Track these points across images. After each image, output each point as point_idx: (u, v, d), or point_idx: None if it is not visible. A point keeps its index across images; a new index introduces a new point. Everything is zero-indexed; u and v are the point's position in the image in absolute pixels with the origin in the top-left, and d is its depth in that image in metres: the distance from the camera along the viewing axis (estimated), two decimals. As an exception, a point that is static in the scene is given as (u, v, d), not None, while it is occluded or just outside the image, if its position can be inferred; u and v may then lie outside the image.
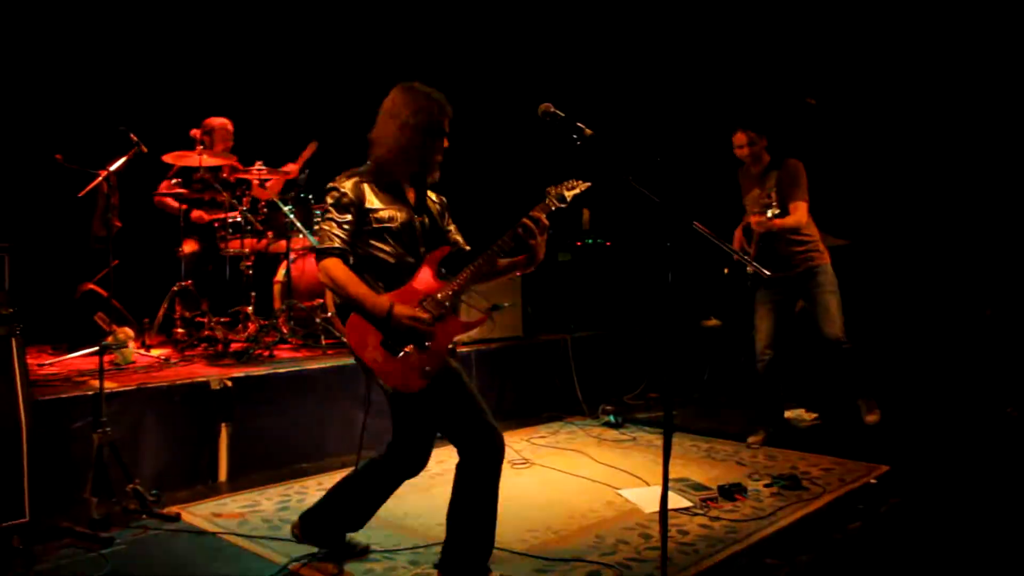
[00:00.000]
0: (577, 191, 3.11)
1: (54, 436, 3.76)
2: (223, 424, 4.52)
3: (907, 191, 6.90)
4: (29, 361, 4.84)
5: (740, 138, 5.27)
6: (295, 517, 3.80)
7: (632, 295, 7.51)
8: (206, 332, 5.54)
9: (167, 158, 5.62)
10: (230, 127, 6.09)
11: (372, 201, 2.95)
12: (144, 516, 3.84)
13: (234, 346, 5.40)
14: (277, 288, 5.93)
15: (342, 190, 2.93)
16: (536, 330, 6.96)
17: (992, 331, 6.36)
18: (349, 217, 2.91)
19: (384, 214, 2.95)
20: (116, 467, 3.85)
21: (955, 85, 6.73)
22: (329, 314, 5.64)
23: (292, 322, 5.68)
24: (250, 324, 5.67)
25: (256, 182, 5.76)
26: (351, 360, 5.20)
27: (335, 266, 2.85)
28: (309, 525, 3.29)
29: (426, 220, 3.08)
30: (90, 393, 3.95)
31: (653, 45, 8.62)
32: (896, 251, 6.55)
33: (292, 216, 5.48)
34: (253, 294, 5.84)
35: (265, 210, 5.72)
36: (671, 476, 4.37)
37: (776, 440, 5.32)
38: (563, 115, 2.71)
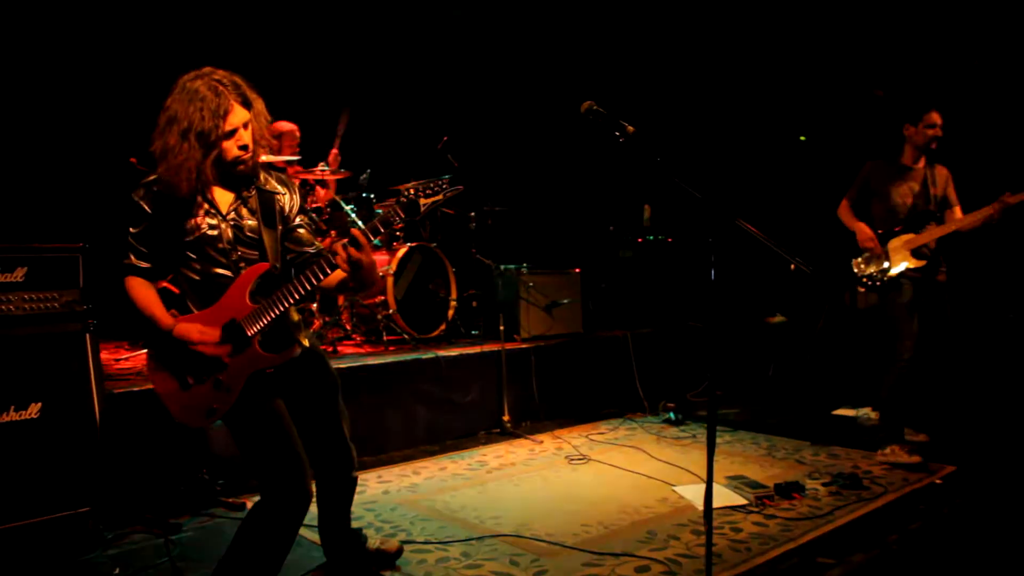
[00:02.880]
0: (438, 199, 2.68)
1: (127, 427, 3.92)
2: (287, 417, 4.65)
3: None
4: (107, 356, 5.09)
5: (937, 117, 4.88)
6: (356, 509, 3.91)
7: (694, 291, 7.46)
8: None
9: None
10: (297, 133, 6.26)
11: (171, 212, 2.64)
12: (211, 505, 4.00)
13: (300, 342, 5.55)
14: (341, 285, 6.06)
15: (136, 201, 2.66)
16: (597, 327, 6.98)
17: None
18: (143, 232, 2.68)
19: (186, 225, 2.64)
20: (186, 457, 4.02)
21: None
22: (391, 311, 5.75)
23: (355, 319, 5.81)
24: (315, 321, 5.82)
25: (317, 187, 5.90)
26: (410, 356, 5.33)
27: (130, 286, 2.69)
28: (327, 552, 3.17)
29: (247, 224, 2.72)
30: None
31: (702, 44, 8.58)
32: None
33: (354, 215, 5.61)
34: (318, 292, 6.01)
35: (328, 210, 5.86)
36: (729, 474, 4.41)
37: (841, 439, 5.26)
38: (605, 112, 2.71)
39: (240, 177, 2.72)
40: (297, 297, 2.62)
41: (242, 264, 2.70)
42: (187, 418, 2.68)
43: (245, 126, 2.63)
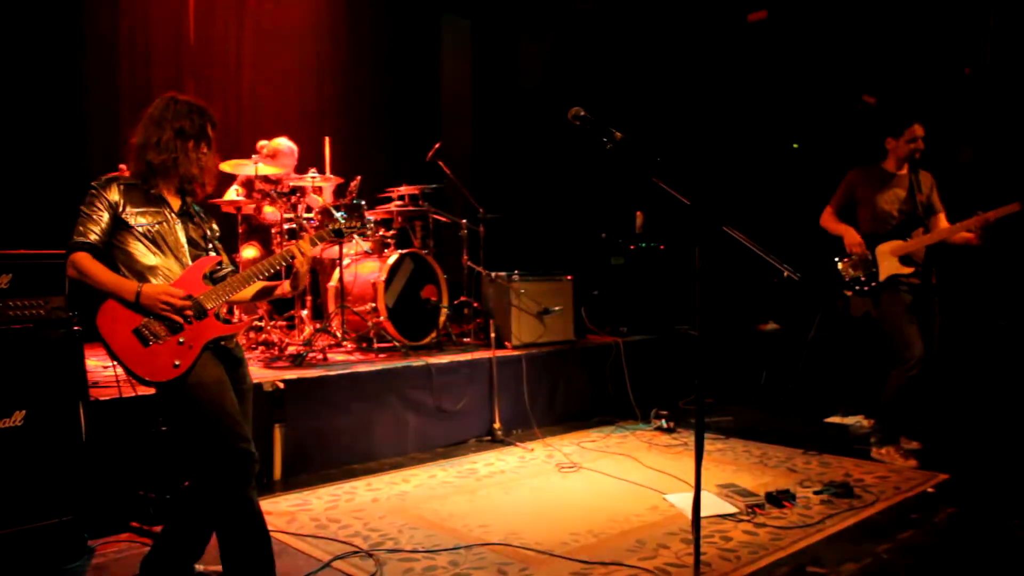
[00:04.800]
0: (358, 230, 3.55)
1: (113, 434, 3.89)
2: (276, 425, 4.63)
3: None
4: (95, 363, 5.05)
5: (919, 130, 4.98)
6: (344, 517, 3.92)
7: (687, 299, 7.44)
8: (263, 336, 5.68)
9: (225, 167, 5.78)
10: (296, 153, 6.28)
11: (131, 206, 2.92)
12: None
13: (290, 349, 5.53)
14: (331, 292, 6.04)
15: (100, 190, 2.91)
16: (588, 334, 6.95)
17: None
18: (105, 216, 2.88)
19: (143, 219, 2.93)
20: (172, 466, 3.98)
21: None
22: (381, 318, 5.73)
23: (345, 326, 5.78)
24: (305, 328, 5.80)
25: (310, 190, 5.87)
26: (401, 363, 5.30)
27: (83, 259, 2.84)
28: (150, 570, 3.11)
29: (192, 230, 3.07)
30: (148, 393, 4.07)
31: (694, 52, 8.61)
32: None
33: (343, 222, 5.57)
34: (309, 298, 5.99)
35: (320, 217, 5.84)
36: (720, 482, 4.39)
37: (833, 447, 5.26)
38: (593, 118, 2.70)
39: (185, 192, 3.09)
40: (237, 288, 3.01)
41: (186, 260, 3.00)
42: (150, 372, 2.80)
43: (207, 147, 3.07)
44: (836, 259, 5.15)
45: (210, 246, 3.13)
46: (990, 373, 6.25)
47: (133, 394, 4.07)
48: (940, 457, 4.94)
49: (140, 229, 2.92)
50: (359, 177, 5.99)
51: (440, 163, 6.56)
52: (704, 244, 2.68)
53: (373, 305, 5.81)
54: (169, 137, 2.94)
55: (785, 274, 3.21)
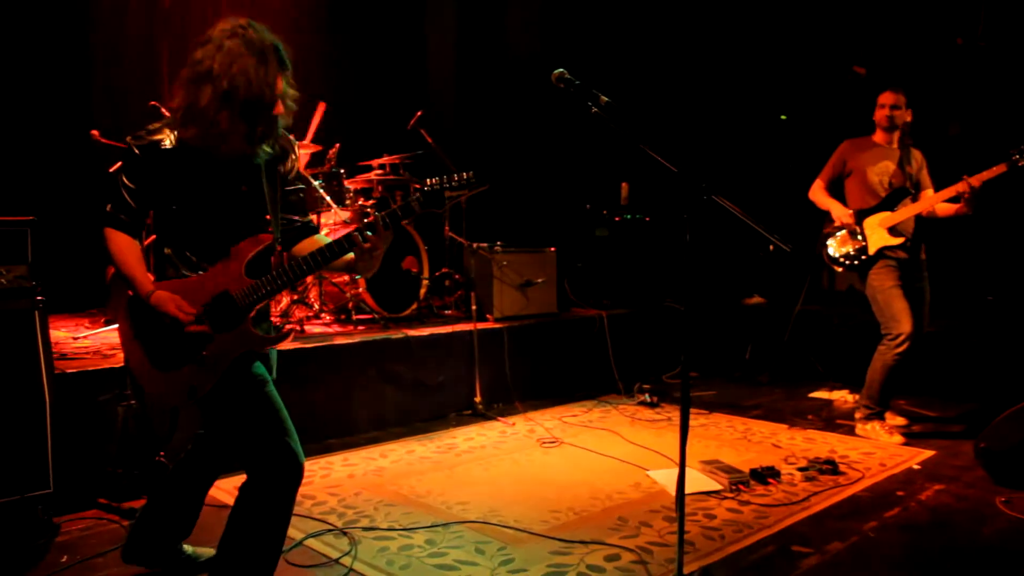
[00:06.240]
0: (463, 193, 2.44)
1: (80, 408, 3.77)
2: (251, 398, 4.51)
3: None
4: (64, 334, 4.92)
5: (890, 98, 4.84)
6: (318, 493, 3.82)
7: (672, 272, 7.36)
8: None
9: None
10: None
11: (175, 171, 2.43)
12: (168, 489, 3.85)
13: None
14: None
15: (135, 152, 2.42)
16: (572, 306, 6.86)
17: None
18: (135, 186, 2.43)
19: (189, 189, 2.44)
20: (142, 440, 3.86)
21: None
22: (360, 289, 5.61)
23: (323, 297, 5.66)
24: (282, 299, 5.67)
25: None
26: (380, 335, 5.19)
27: (110, 236, 2.44)
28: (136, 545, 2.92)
29: (266, 190, 2.53)
30: (117, 366, 3.95)
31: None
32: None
33: (322, 191, 5.46)
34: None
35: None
36: (703, 458, 4.32)
37: (817, 423, 5.21)
38: (578, 82, 2.58)
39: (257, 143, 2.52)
40: (299, 275, 2.44)
41: (244, 231, 2.49)
42: (163, 399, 2.47)
43: (282, 96, 2.44)
44: (826, 236, 5.05)
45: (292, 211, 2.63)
46: (977, 347, 6.21)
47: (101, 367, 3.96)
48: (926, 433, 4.91)
49: (192, 209, 2.45)
50: (337, 144, 5.84)
51: (422, 131, 6.40)
52: (692, 214, 2.57)
53: (352, 276, 5.69)
54: (211, 101, 2.32)
55: (771, 248, 3.11)
